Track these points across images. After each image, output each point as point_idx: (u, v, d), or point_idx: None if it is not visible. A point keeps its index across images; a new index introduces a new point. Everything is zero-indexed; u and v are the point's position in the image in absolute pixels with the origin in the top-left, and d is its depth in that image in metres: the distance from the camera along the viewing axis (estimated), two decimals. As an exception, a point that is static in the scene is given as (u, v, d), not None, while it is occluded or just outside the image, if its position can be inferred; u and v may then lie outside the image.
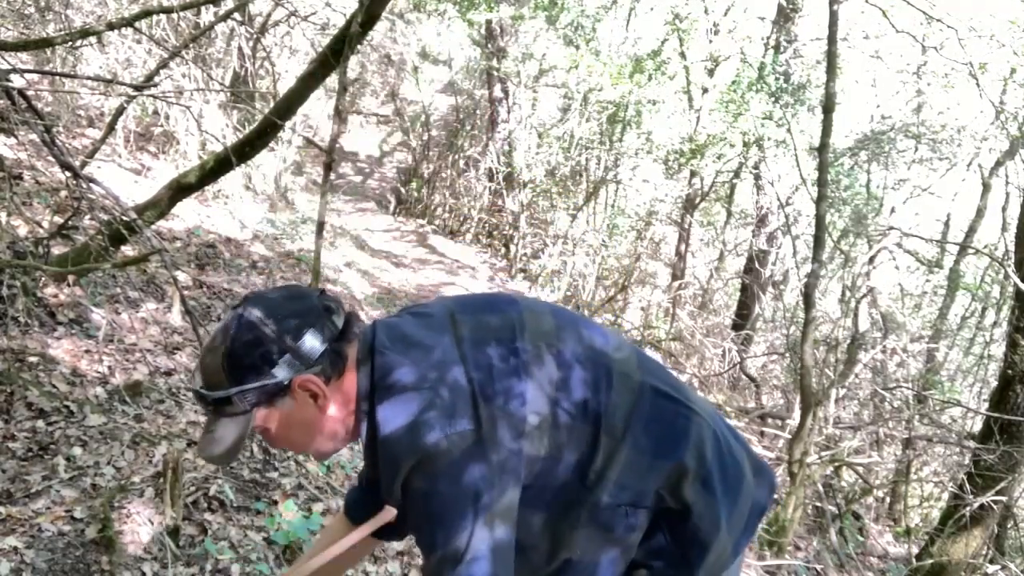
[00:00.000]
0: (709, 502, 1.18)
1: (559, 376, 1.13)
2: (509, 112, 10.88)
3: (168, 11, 4.51)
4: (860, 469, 5.93)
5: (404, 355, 1.11)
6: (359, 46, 6.17)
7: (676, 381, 1.26)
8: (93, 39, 5.34)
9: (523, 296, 1.28)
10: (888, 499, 7.10)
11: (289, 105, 3.69)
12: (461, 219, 11.63)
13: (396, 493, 1.08)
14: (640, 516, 1.18)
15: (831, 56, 4.65)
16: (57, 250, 3.67)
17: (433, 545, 1.05)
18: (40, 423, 2.71)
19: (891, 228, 7.30)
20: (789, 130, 7.29)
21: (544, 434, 1.10)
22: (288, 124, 5.04)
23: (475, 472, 1.04)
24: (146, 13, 4.46)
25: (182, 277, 4.68)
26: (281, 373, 1.08)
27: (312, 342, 1.10)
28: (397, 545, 2.94)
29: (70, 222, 3.51)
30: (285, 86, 7.05)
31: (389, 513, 1.01)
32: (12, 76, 3.16)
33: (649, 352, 8.58)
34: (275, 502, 2.89)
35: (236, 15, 6.92)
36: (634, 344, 1.30)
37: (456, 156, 12.11)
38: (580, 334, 1.20)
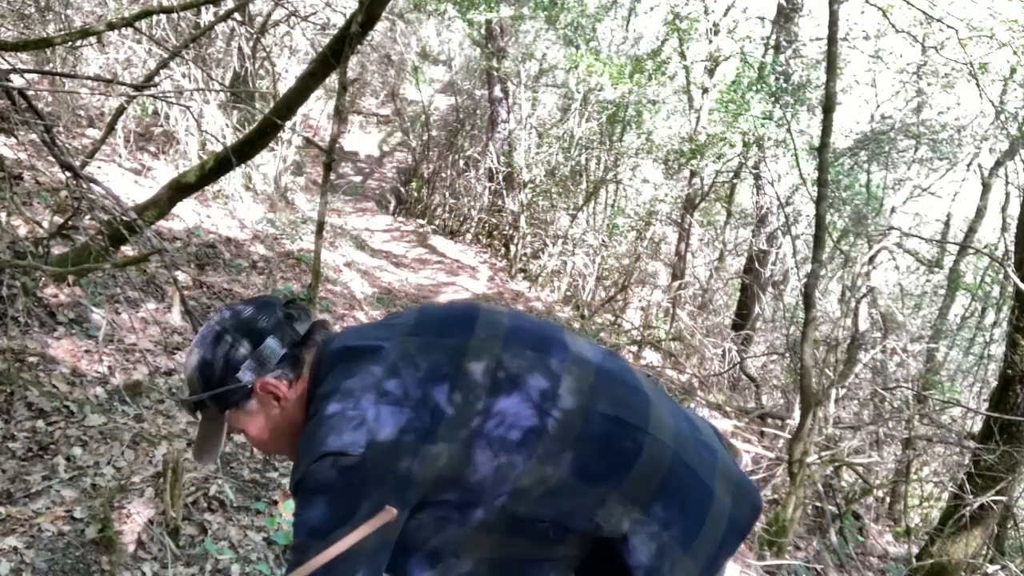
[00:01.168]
0: (652, 528, 1.17)
1: (489, 405, 1.13)
2: (509, 112, 10.88)
3: (168, 11, 4.51)
4: (860, 469, 5.93)
5: (340, 369, 1.16)
6: (359, 46, 6.17)
7: (636, 403, 1.22)
8: (93, 39, 5.34)
9: (488, 311, 1.26)
10: (888, 499, 7.11)
11: (289, 105, 3.70)
12: (461, 219, 11.64)
13: (293, 490, 1.12)
14: (570, 537, 1.18)
15: (831, 56, 4.64)
16: (57, 250, 3.67)
17: (290, 565, 1.09)
18: (40, 423, 2.71)
19: (891, 228, 7.30)
20: (789, 130, 7.29)
21: (457, 460, 1.10)
22: (288, 124, 5.04)
23: (345, 499, 1.05)
24: (146, 13, 4.47)
25: (182, 277, 4.68)
26: (245, 377, 1.19)
27: (272, 347, 1.20)
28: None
29: (70, 222, 3.51)
30: (285, 86, 7.06)
31: (389, 513, 1.01)
32: (12, 76, 3.16)
33: (649, 352, 8.60)
34: (275, 502, 2.89)
35: (236, 15, 6.91)
36: (598, 360, 1.26)
37: (456, 156, 12.11)
38: (530, 359, 1.18)
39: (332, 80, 6.51)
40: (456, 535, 1.16)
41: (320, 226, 2.93)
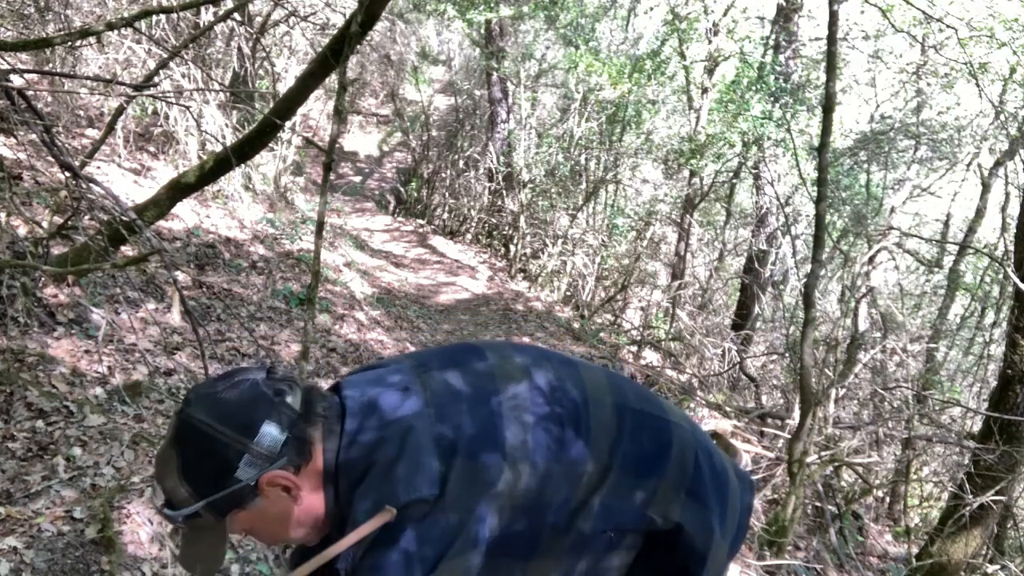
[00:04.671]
0: (699, 512, 1.18)
1: (536, 421, 1.11)
2: (509, 112, 10.88)
3: (168, 11, 4.51)
4: (860, 469, 5.93)
5: (374, 427, 1.06)
6: (359, 46, 6.17)
7: (651, 396, 1.26)
8: (92, 39, 5.34)
9: (485, 342, 1.24)
10: (888, 499, 7.10)
11: (289, 105, 3.69)
12: (461, 219, 11.64)
13: (356, 560, 1.05)
14: (628, 539, 1.18)
15: (831, 56, 4.64)
16: (57, 250, 3.67)
17: None
18: (40, 423, 2.71)
19: (891, 228, 7.31)
20: (789, 130, 7.29)
21: (522, 483, 1.08)
22: (288, 124, 5.04)
23: (426, 540, 1.01)
24: (146, 13, 4.47)
25: (182, 277, 4.68)
26: (245, 475, 1.02)
27: (270, 435, 1.02)
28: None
29: (70, 222, 3.51)
30: (285, 86, 7.06)
31: (389, 513, 1.00)
32: (12, 76, 3.16)
33: (649, 352, 8.60)
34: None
35: (236, 15, 6.92)
36: (602, 366, 1.31)
37: (456, 156, 12.12)
38: (548, 366, 1.19)
39: (332, 80, 6.51)
40: (515, 566, 1.13)
41: (320, 226, 2.92)
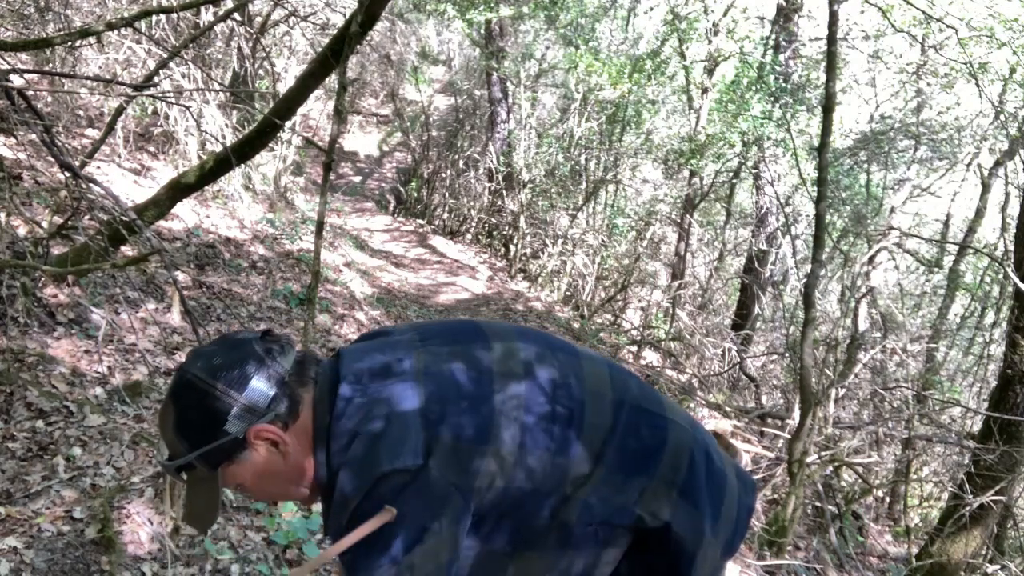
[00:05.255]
0: (689, 512, 1.18)
1: (535, 422, 1.11)
2: (509, 112, 10.88)
3: (168, 11, 4.52)
4: (860, 469, 5.93)
5: (364, 393, 1.08)
6: (359, 46, 6.17)
7: (651, 392, 1.25)
8: (92, 39, 5.34)
9: (491, 325, 1.25)
10: (888, 499, 7.11)
11: (289, 105, 3.69)
12: (461, 219, 11.64)
13: (341, 529, 1.06)
14: (615, 534, 1.17)
15: (831, 56, 4.64)
16: (57, 250, 3.67)
17: None
18: (40, 423, 2.71)
19: (891, 228, 7.31)
20: (789, 130, 7.29)
21: (514, 484, 1.09)
22: (288, 124, 5.04)
23: (406, 512, 1.01)
24: (146, 13, 4.47)
25: (182, 277, 4.69)
26: (234, 428, 1.07)
27: (259, 390, 1.08)
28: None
29: (70, 222, 3.51)
30: (285, 86, 7.07)
31: (390, 513, 1.01)
32: (12, 76, 3.16)
33: (649, 352, 8.60)
34: (275, 502, 2.89)
35: (236, 15, 6.92)
36: (607, 358, 1.28)
37: (456, 156, 12.12)
38: (551, 359, 1.18)
39: (332, 80, 6.51)
40: (496, 551, 1.14)
41: (320, 226, 2.91)
